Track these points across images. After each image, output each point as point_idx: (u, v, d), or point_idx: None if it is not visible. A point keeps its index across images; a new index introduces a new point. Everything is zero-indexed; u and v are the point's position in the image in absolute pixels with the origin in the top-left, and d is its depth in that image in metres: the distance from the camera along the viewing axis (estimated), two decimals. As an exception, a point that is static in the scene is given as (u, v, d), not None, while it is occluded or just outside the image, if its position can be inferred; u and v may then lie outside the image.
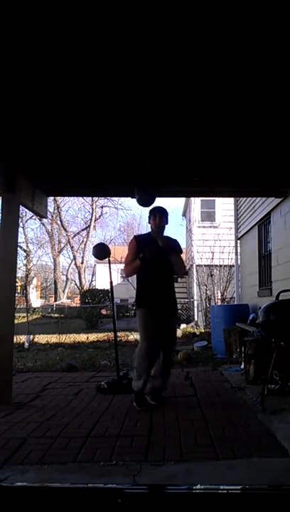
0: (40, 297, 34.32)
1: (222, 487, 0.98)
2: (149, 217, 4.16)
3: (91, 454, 2.87)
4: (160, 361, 4.02)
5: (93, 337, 11.39)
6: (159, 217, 4.09)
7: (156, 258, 3.91)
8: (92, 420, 3.59)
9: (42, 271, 32.82)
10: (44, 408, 4.05)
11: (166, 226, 4.18)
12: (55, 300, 28.74)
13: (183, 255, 4.47)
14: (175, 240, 4.32)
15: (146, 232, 4.38)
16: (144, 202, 4.54)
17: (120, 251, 17.34)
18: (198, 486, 1.00)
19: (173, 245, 4.19)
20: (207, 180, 5.16)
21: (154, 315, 3.95)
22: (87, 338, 11.19)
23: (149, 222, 4.19)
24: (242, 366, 5.37)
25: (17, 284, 13.63)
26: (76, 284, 30.70)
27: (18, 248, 9.26)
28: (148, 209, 4.37)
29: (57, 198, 24.13)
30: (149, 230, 4.28)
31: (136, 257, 4.00)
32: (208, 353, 7.64)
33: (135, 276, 4.27)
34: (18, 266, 6.14)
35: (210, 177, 5.06)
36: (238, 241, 10.07)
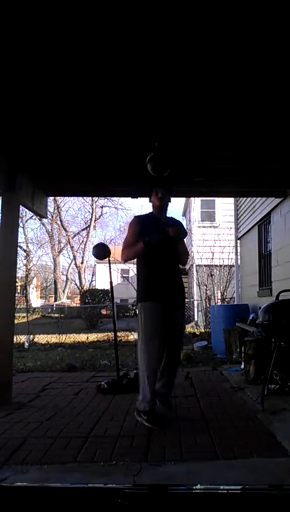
0: (40, 297, 34.30)
1: (222, 487, 0.98)
2: (151, 193, 3.72)
3: (91, 454, 2.87)
4: (166, 361, 3.62)
5: (93, 337, 11.39)
6: (162, 192, 3.64)
7: (163, 243, 3.49)
8: (92, 420, 3.59)
9: (42, 271, 32.82)
10: (44, 408, 4.05)
11: (169, 204, 3.77)
12: (55, 300, 28.73)
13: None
14: (180, 223, 3.90)
15: (147, 213, 3.85)
16: (158, 169, 3.83)
17: (120, 251, 17.33)
18: (198, 486, 1.00)
19: (182, 232, 3.72)
20: (208, 180, 5.16)
21: (163, 309, 3.46)
22: (87, 338, 11.19)
23: (150, 201, 3.73)
24: (242, 366, 5.37)
25: (17, 284, 13.63)
26: (76, 284, 30.69)
27: (18, 248, 9.26)
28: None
29: (57, 198, 24.15)
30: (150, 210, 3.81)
31: (137, 239, 3.55)
32: (208, 353, 7.64)
33: (136, 270, 3.83)
34: (18, 266, 6.14)
35: (210, 177, 5.06)
36: (238, 241, 10.08)
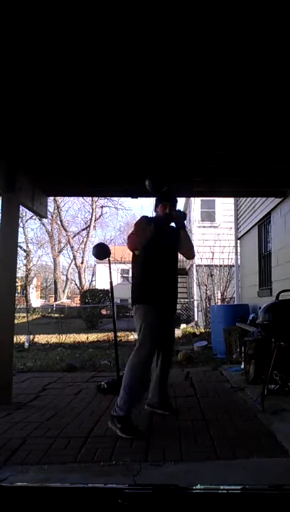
0: (40, 297, 34.31)
1: (222, 487, 0.98)
2: (157, 205, 3.73)
3: (91, 454, 2.87)
4: (160, 365, 3.67)
5: (93, 337, 11.38)
6: (170, 207, 3.65)
7: (163, 245, 3.49)
8: (92, 420, 3.59)
9: (42, 271, 32.83)
10: (44, 408, 4.05)
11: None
12: (55, 300, 28.74)
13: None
14: (183, 213, 3.89)
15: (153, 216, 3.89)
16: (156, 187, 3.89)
17: (120, 251, 17.36)
18: (198, 486, 1.00)
19: (183, 219, 3.78)
20: (208, 180, 5.16)
21: (158, 313, 3.42)
22: (87, 338, 11.19)
23: (156, 211, 3.74)
24: (242, 366, 5.37)
25: (17, 284, 13.63)
26: (76, 284, 30.72)
27: (18, 248, 9.26)
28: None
29: (57, 198, 24.18)
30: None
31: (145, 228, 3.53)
32: (208, 353, 7.64)
33: (131, 272, 3.84)
34: (18, 266, 6.14)
35: (210, 177, 5.06)
36: (238, 241, 10.08)
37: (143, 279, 3.55)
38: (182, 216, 3.76)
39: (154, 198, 3.85)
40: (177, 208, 3.78)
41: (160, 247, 3.50)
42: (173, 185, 3.99)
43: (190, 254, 3.93)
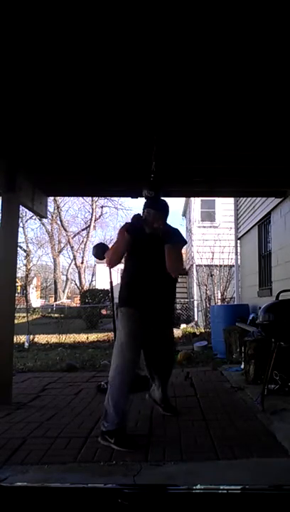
0: (40, 297, 34.29)
1: (222, 487, 0.98)
2: (144, 211, 3.30)
3: (91, 454, 2.87)
4: (158, 367, 3.64)
5: (93, 337, 11.38)
6: (159, 218, 3.26)
7: (150, 244, 3.16)
8: (92, 420, 3.59)
9: (42, 271, 32.80)
10: (44, 408, 4.05)
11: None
12: (55, 300, 28.73)
13: (183, 250, 3.63)
14: (176, 230, 3.51)
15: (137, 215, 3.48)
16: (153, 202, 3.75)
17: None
18: (198, 486, 1.00)
19: (172, 233, 3.33)
20: (208, 180, 5.16)
21: (142, 319, 3.18)
22: (87, 338, 11.19)
23: (144, 215, 3.30)
24: (242, 366, 5.37)
25: (17, 284, 13.62)
26: (76, 284, 30.69)
27: (18, 248, 9.26)
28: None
29: (57, 198, 24.13)
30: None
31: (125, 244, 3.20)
32: (208, 353, 7.64)
33: (120, 277, 3.49)
34: (18, 266, 6.14)
35: (211, 177, 5.06)
36: (238, 241, 10.08)
37: (128, 284, 3.33)
38: (167, 233, 3.28)
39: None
40: (171, 226, 3.42)
41: (143, 252, 3.23)
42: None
43: (172, 270, 3.30)
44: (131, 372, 3.12)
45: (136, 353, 3.19)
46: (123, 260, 3.50)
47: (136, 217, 3.42)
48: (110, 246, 3.55)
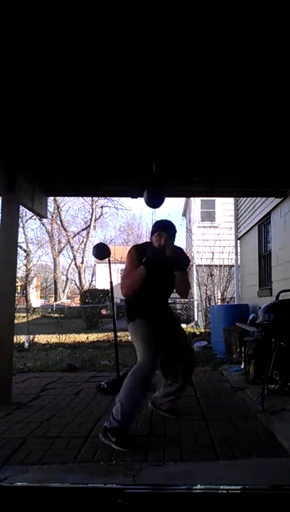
0: (40, 297, 34.30)
1: (222, 487, 0.98)
2: (153, 232, 3.39)
3: (91, 454, 2.87)
4: (180, 371, 3.45)
5: (93, 337, 11.38)
6: (166, 238, 3.28)
7: (160, 265, 3.18)
8: (92, 420, 3.59)
9: (42, 271, 32.81)
10: (44, 408, 4.05)
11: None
12: (55, 300, 28.74)
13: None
14: (182, 249, 3.55)
15: (145, 242, 3.61)
16: (153, 203, 4.17)
17: (120, 251, 17.34)
18: (198, 486, 1.00)
19: (181, 257, 3.37)
20: (208, 180, 5.16)
21: (154, 328, 3.23)
22: (87, 338, 11.19)
23: (151, 239, 3.42)
24: (242, 366, 5.37)
25: (17, 284, 13.63)
26: (76, 284, 30.70)
27: (18, 248, 9.26)
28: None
29: (57, 198, 24.16)
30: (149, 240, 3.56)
31: (138, 264, 3.19)
32: (208, 353, 7.64)
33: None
34: (18, 266, 6.14)
35: (211, 177, 5.06)
36: (238, 241, 10.08)
37: (137, 301, 3.32)
38: (179, 257, 3.31)
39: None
40: (177, 246, 3.43)
41: (152, 278, 3.18)
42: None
43: (183, 294, 3.56)
44: (149, 380, 3.12)
45: (155, 361, 3.17)
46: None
47: (137, 247, 3.50)
48: (126, 272, 3.36)
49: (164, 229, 3.34)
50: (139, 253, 3.28)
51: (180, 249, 3.51)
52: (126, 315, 3.41)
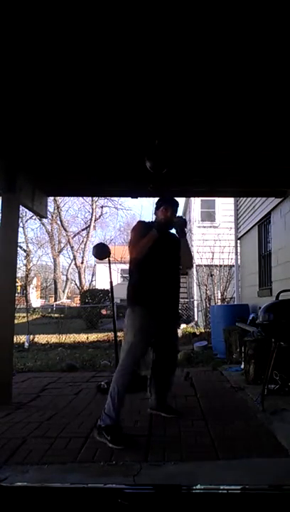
0: (40, 297, 34.29)
1: (222, 487, 0.99)
2: (158, 207, 3.51)
3: (91, 454, 2.87)
4: (162, 368, 3.60)
5: (93, 337, 11.39)
6: (171, 212, 3.47)
7: (162, 244, 3.30)
8: (92, 420, 3.58)
9: (42, 271, 32.80)
10: (44, 408, 4.04)
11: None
12: (55, 300, 28.73)
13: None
14: (185, 220, 3.69)
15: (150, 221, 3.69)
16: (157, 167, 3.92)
17: (120, 251, 17.36)
18: (198, 486, 1.00)
19: (183, 221, 3.55)
20: (207, 180, 5.16)
21: (153, 317, 3.28)
22: (87, 338, 11.20)
23: (155, 213, 3.55)
24: (242, 366, 5.37)
25: (17, 284, 13.63)
26: (76, 284, 30.70)
27: (18, 248, 9.26)
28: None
29: (57, 198, 24.15)
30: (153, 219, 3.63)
31: (145, 234, 3.31)
32: (208, 353, 7.64)
33: (128, 274, 3.59)
34: (18, 266, 6.14)
35: (210, 177, 5.06)
36: (238, 241, 10.08)
37: (140, 281, 3.37)
38: (183, 223, 3.52)
39: (155, 199, 3.74)
40: (178, 215, 3.60)
41: (160, 251, 3.30)
42: (173, 171, 3.86)
43: (188, 264, 3.78)
44: (136, 365, 3.31)
45: (143, 354, 3.35)
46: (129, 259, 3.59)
47: (143, 222, 3.64)
48: (134, 242, 3.43)
49: (169, 203, 3.53)
50: (145, 227, 3.43)
51: (184, 219, 3.67)
52: (127, 298, 3.41)
